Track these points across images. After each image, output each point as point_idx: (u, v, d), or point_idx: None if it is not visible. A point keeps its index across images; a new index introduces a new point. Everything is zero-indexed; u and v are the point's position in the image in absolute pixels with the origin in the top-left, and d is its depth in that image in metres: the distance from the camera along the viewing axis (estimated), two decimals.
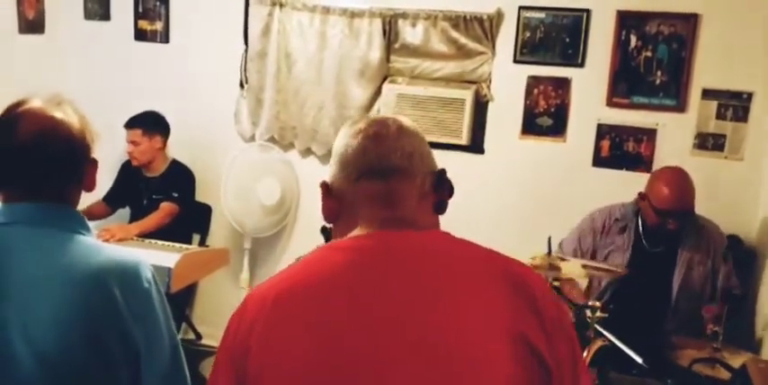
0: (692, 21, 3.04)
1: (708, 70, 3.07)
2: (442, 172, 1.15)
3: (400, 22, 3.37)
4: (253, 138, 3.77)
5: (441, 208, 1.13)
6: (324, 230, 2.63)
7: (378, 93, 3.46)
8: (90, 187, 1.36)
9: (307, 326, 0.97)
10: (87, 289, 1.23)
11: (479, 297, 0.99)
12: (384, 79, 3.45)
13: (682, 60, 3.08)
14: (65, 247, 1.25)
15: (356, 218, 1.08)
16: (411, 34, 3.36)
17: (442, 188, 1.13)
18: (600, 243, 2.84)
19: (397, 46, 3.40)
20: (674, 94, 3.11)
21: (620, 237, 2.79)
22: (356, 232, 1.08)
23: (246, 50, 3.67)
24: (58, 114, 1.32)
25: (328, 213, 1.14)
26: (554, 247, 2.65)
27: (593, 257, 2.78)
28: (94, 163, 1.36)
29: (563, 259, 2.29)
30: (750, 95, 3.03)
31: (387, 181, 1.08)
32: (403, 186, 1.08)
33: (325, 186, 1.14)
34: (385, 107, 3.42)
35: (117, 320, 1.22)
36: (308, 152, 3.71)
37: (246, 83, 3.72)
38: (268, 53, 3.60)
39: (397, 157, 1.08)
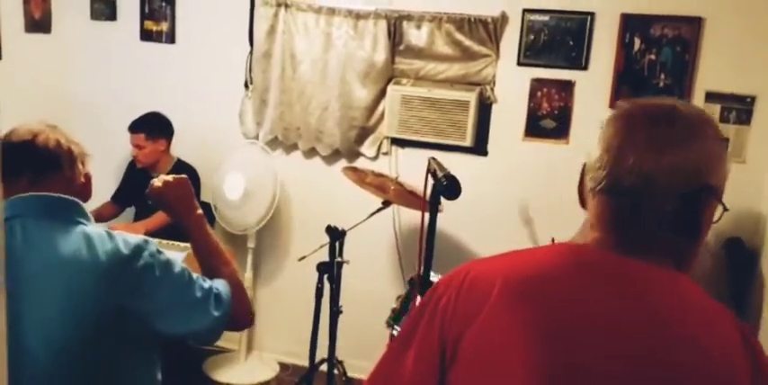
0: (696, 24, 3.05)
1: (711, 73, 3.08)
2: None
3: (405, 23, 3.38)
4: (257, 139, 3.79)
5: None
6: (329, 230, 2.64)
7: (382, 94, 3.48)
8: (86, 197, 1.49)
9: (532, 323, 0.90)
10: (98, 275, 1.27)
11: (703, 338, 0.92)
12: (389, 81, 3.46)
13: (685, 63, 3.10)
14: (68, 237, 1.30)
15: None
16: (416, 36, 3.38)
17: None
18: None
19: (401, 48, 3.42)
20: (677, 96, 3.11)
21: None
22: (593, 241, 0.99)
23: (251, 51, 3.69)
24: (50, 128, 1.50)
25: None
26: None
27: None
28: (88, 176, 1.49)
29: None
30: (753, 99, 3.04)
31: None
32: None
33: None
34: (390, 107, 3.44)
35: (129, 301, 1.28)
36: (312, 152, 3.73)
37: (251, 83, 3.74)
38: (273, 54, 3.62)
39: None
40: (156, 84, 3.95)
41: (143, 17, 3.92)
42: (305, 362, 3.65)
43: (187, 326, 1.36)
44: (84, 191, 1.48)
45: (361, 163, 3.61)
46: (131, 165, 3.72)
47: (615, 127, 1.01)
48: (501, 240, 3.64)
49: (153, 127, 3.55)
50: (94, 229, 1.36)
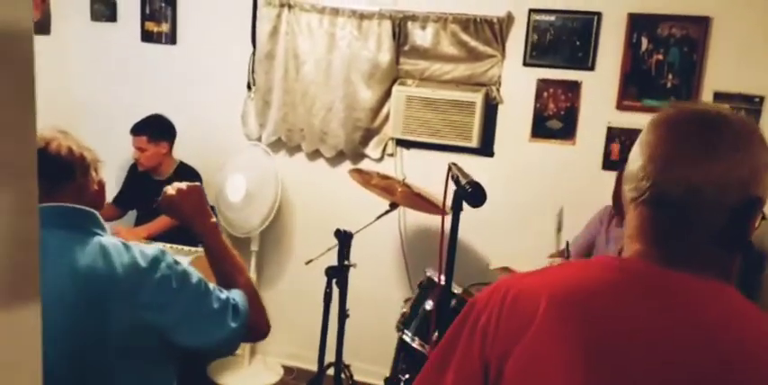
0: (703, 24, 3.03)
1: (719, 74, 3.06)
2: None
3: (410, 24, 3.36)
4: (260, 141, 3.76)
5: None
6: (338, 233, 2.61)
7: (387, 95, 3.45)
8: (100, 205, 1.46)
9: (579, 341, 0.87)
10: (114, 288, 1.24)
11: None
12: (394, 81, 3.44)
13: (693, 63, 3.08)
14: (84, 249, 1.28)
15: None
16: (421, 37, 3.35)
17: None
18: (602, 237, 2.88)
19: (406, 48, 3.39)
20: (685, 97, 3.10)
21: (620, 229, 2.81)
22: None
23: (254, 52, 3.66)
24: (62, 134, 1.47)
25: None
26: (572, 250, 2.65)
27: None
28: (101, 183, 1.45)
29: None
30: (761, 99, 3.02)
31: None
32: None
33: None
34: (395, 108, 3.41)
35: (146, 314, 1.25)
36: (316, 154, 3.70)
37: (254, 84, 3.70)
38: (276, 55, 3.59)
39: None
40: (157, 85, 3.91)
41: (143, 18, 3.89)
42: (309, 366, 3.64)
43: (204, 339, 1.33)
44: (99, 199, 1.44)
45: (365, 164, 3.58)
46: (133, 168, 3.68)
47: (658, 133, 0.96)
48: (507, 242, 3.64)
49: (155, 129, 3.51)
50: (111, 240, 1.33)
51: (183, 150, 3.67)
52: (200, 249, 3.32)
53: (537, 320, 0.89)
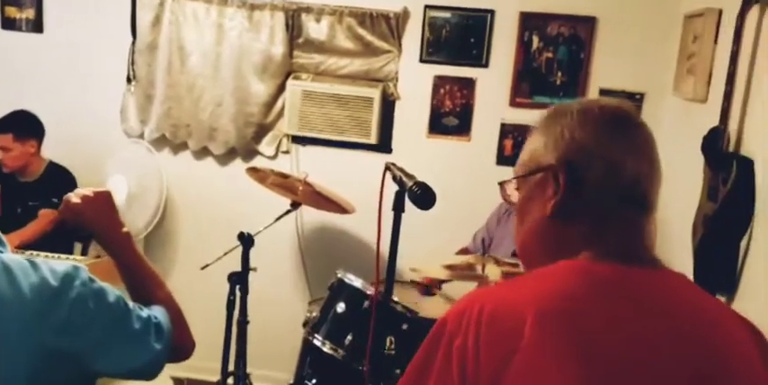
0: (590, 23, 3.16)
1: (604, 71, 3.20)
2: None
3: (304, 16, 3.24)
4: (141, 137, 3.51)
5: None
6: (242, 236, 2.46)
7: (281, 89, 3.32)
8: None
9: (577, 354, 0.84)
10: (23, 314, 1.07)
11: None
12: (287, 75, 3.31)
13: (581, 61, 3.20)
14: None
15: None
16: (315, 29, 3.25)
17: None
18: (500, 234, 2.92)
19: (300, 41, 3.28)
20: (573, 93, 3.21)
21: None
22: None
23: (134, 42, 3.40)
24: None
25: None
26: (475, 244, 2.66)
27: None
28: None
29: (498, 261, 2.29)
30: (642, 96, 3.19)
31: None
32: None
33: None
34: (290, 104, 3.28)
35: (60, 340, 1.09)
36: (204, 152, 3.50)
37: (134, 77, 3.44)
38: (159, 45, 3.35)
39: None
40: (22, 78, 3.55)
41: (2, 2, 3.50)
42: (199, 376, 3.44)
43: (128, 364, 1.18)
44: None
45: (258, 162, 3.43)
46: None
47: (596, 132, 0.96)
48: (405, 236, 3.60)
49: (21, 127, 3.19)
50: (13, 258, 1.14)
51: (53, 150, 3.35)
52: (80, 257, 3.07)
53: (525, 338, 0.84)
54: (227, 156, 3.49)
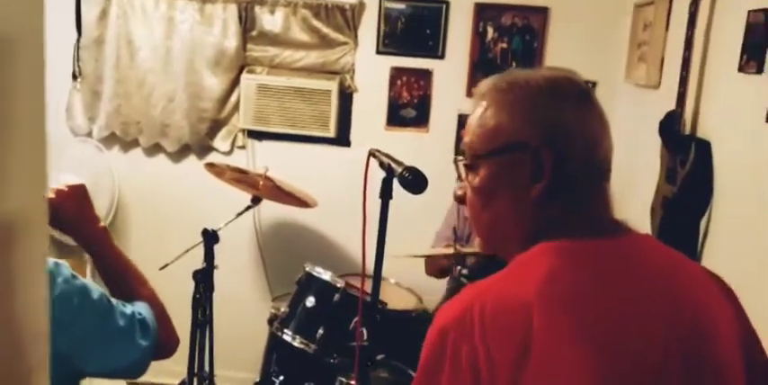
0: (542, 14, 3.20)
1: (557, 61, 3.24)
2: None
3: (257, 8, 3.19)
4: (90, 136, 3.39)
5: None
6: (206, 233, 2.40)
7: (235, 83, 3.26)
8: None
9: (590, 338, 0.84)
10: None
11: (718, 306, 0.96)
12: (241, 69, 3.25)
13: (534, 51, 3.24)
14: None
15: None
16: (270, 22, 3.19)
17: None
18: (460, 225, 2.93)
19: (254, 34, 3.22)
20: None
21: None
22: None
23: (79, 38, 3.27)
24: None
25: None
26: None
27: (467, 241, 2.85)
28: None
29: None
30: (594, 84, 3.25)
31: None
32: None
33: None
34: (245, 98, 3.22)
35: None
36: (156, 149, 3.40)
37: (80, 74, 3.32)
38: (106, 40, 3.24)
39: None
40: None
41: None
42: (158, 379, 3.35)
43: (114, 363, 1.14)
44: None
45: (213, 158, 3.36)
46: None
47: (574, 109, 0.94)
48: (367, 231, 3.59)
49: None
50: None
51: None
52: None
53: (536, 328, 0.82)
54: (180, 153, 3.40)
